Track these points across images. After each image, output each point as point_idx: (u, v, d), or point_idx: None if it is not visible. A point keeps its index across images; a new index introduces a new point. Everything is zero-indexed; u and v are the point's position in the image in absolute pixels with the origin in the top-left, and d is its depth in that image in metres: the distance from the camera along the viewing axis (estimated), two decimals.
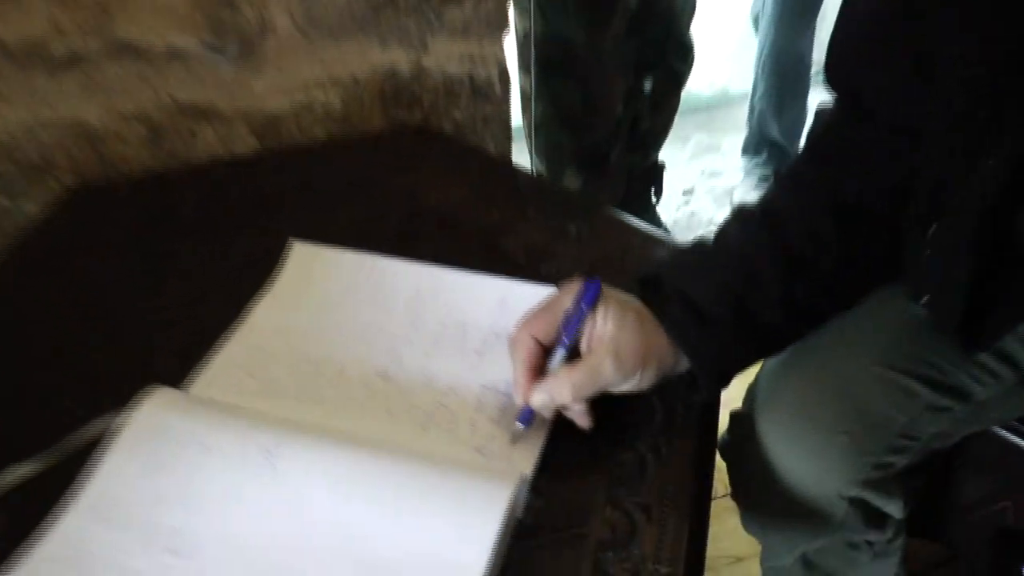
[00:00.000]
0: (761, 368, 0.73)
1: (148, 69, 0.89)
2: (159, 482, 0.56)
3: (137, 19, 0.86)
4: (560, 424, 0.61)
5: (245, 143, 0.99)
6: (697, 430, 0.63)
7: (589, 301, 0.59)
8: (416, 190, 0.89)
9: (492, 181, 0.91)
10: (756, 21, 2.10)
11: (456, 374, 0.67)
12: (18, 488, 0.58)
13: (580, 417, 0.60)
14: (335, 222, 0.84)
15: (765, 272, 0.60)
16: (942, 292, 0.59)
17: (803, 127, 2.10)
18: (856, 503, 0.69)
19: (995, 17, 0.51)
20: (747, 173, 2.20)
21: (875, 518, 0.71)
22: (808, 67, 2.06)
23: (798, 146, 2.00)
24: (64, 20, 0.83)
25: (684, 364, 0.60)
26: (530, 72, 1.39)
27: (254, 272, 0.76)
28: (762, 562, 0.85)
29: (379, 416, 0.64)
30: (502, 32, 1.01)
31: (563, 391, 0.57)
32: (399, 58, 0.98)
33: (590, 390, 0.58)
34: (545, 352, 0.60)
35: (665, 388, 0.63)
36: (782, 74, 2.03)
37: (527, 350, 0.59)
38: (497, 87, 1.05)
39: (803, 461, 0.67)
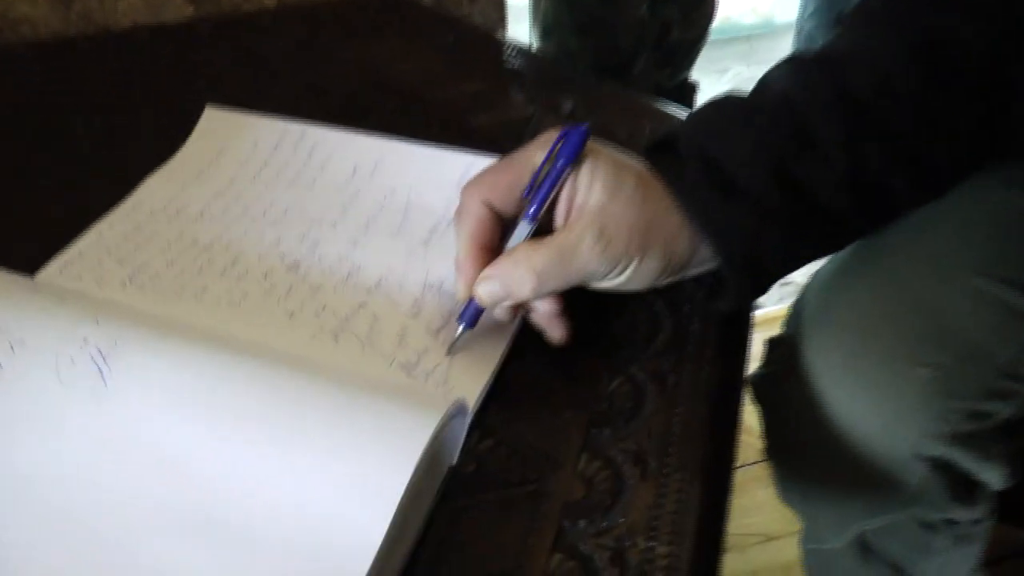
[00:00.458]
0: (811, 278, 0.56)
1: None
2: None
3: None
4: (524, 337, 0.45)
5: (178, 10, 0.82)
6: (719, 353, 0.46)
7: (569, 154, 0.40)
8: (375, 60, 0.73)
9: (471, 53, 0.73)
10: None
11: (389, 268, 0.49)
12: None
13: (550, 323, 0.43)
14: (271, 95, 0.68)
15: (820, 128, 0.42)
16: None
17: None
18: (938, 466, 0.53)
19: None
20: None
21: (963, 488, 0.55)
22: None
23: None
24: None
25: (702, 258, 0.43)
26: None
27: (164, 149, 0.60)
28: (803, 543, 0.67)
29: (276, 319, 0.46)
30: None
31: (522, 278, 0.40)
32: None
33: (560, 279, 0.40)
34: (503, 226, 0.43)
35: (676, 293, 0.46)
36: None
37: (476, 220, 0.42)
38: None
39: (866, 405, 0.51)
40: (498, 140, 0.60)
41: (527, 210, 0.41)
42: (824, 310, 0.53)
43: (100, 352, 0.39)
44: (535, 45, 1.29)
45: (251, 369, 0.39)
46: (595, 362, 0.44)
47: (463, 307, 0.43)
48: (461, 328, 0.43)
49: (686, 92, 1.49)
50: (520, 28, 1.20)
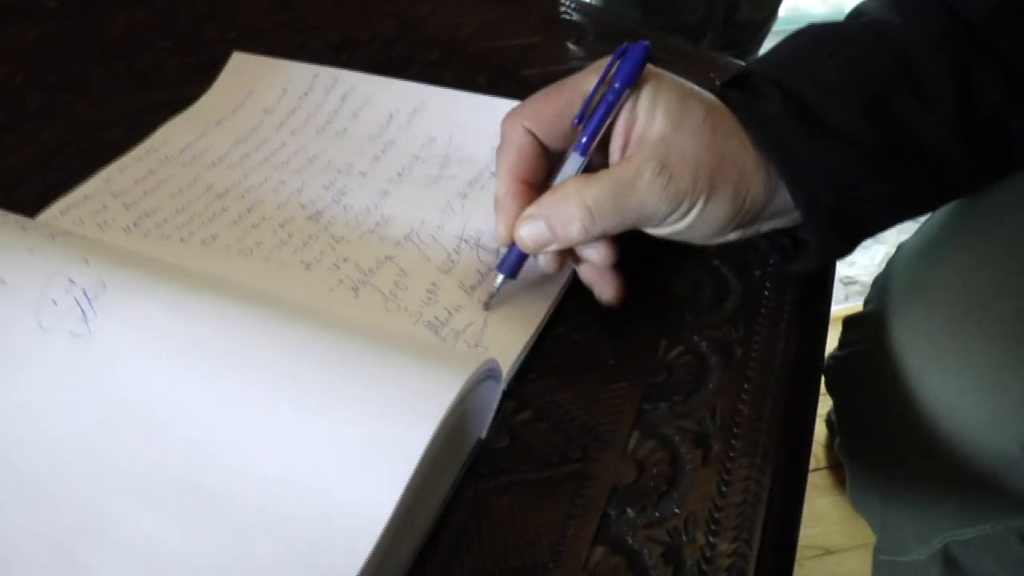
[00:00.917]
0: (898, 249, 0.49)
1: None
2: None
3: None
4: (571, 296, 0.40)
5: None
6: (796, 323, 0.39)
7: (627, 76, 0.34)
8: (416, 10, 0.66)
9: (525, 5, 0.67)
10: None
11: (421, 221, 0.43)
12: None
13: (602, 278, 0.38)
14: (307, 46, 0.62)
15: (923, 57, 0.35)
16: None
17: None
18: None
19: None
20: None
21: None
22: None
23: None
24: None
25: (778, 206, 0.36)
26: None
27: (190, 98, 0.55)
28: (877, 552, 0.60)
29: (290, 269, 0.41)
30: None
31: (571, 215, 0.34)
32: None
33: (614, 219, 0.34)
34: (550, 162, 0.37)
35: (747, 253, 0.39)
36: None
37: (518, 151, 0.36)
38: None
39: (967, 392, 0.43)
40: None
41: (578, 141, 0.35)
42: (917, 282, 0.46)
43: (86, 294, 0.34)
44: None
45: (253, 319, 0.33)
46: (652, 327, 0.39)
47: (503, 255, 0.37)
48: (500, 278, 0.37)
49: None
50: None
